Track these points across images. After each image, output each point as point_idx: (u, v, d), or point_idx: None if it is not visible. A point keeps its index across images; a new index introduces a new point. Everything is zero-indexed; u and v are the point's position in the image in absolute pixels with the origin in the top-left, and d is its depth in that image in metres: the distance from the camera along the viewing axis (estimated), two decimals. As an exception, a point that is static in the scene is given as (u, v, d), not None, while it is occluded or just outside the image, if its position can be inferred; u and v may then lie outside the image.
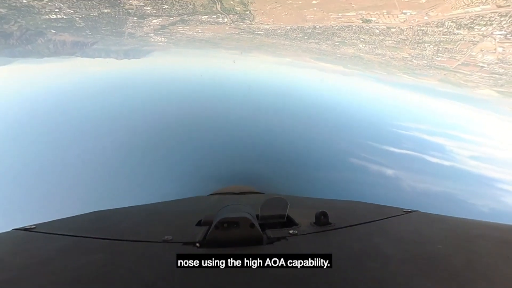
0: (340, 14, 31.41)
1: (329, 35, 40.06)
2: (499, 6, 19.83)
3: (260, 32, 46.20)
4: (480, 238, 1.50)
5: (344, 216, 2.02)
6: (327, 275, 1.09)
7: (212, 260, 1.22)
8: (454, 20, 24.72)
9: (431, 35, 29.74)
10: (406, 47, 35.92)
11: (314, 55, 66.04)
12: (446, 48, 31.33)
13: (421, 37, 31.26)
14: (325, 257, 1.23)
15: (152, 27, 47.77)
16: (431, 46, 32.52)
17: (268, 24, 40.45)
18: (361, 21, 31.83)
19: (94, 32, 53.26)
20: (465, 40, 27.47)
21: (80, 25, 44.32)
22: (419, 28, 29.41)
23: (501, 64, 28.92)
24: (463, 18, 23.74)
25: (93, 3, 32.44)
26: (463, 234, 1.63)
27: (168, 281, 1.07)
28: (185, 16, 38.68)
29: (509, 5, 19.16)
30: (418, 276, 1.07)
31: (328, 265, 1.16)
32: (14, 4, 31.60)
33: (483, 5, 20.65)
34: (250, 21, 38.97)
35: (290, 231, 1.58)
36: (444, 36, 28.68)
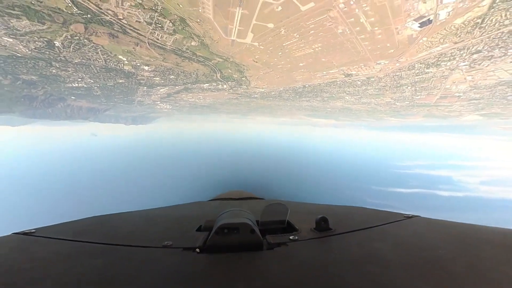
0: (324, 72, 35.95)
1: (318, 92, 44.97)
2: (456, 43, 24.08)
3: (256, 96, 51.41)
4: (482, 242, 1.50)
5: (345, 221, 2.04)
6: (328, 281, 1.08)
7: (212, 266, 1.24)
8: (422, 62, 29.03)
9: (406, 78, 34.11)
10: (387, 92, 40.46)
11: (307, 112, 71.79)
12: (422, 86, 35.62)
13: (398, 81, 35.71)
14: (325, 262, 1.26)
15: (159, 95, 52.85)
16: (409, 87, 36.90)
17: (262, 88, 45.28)
18: (344, 76, 36.43)
19: (108, 100, 58.31)
20: (437, 76, 31.68)
21: (97, 93, 49.53)
22: (394, 74, 33.79)
23: (474, 90, 32.64)
24: (429, 58, 28.05)
25: (110, 74, 36.66)
26: (464, 238, 1.62)
27: (168, 287, 1.06)
28: (189, 84, 43.47)
29: (463, 40, 23.36)
30: (420, 282, 1.06)
31: (329, 270, 1.18)
32: (44, 73, 35.93)
33: (441, 44, 24.95)
34: (247, 86, 43.68)
35: (290, 237, 1.60)
36: (417, 77, 33.02)
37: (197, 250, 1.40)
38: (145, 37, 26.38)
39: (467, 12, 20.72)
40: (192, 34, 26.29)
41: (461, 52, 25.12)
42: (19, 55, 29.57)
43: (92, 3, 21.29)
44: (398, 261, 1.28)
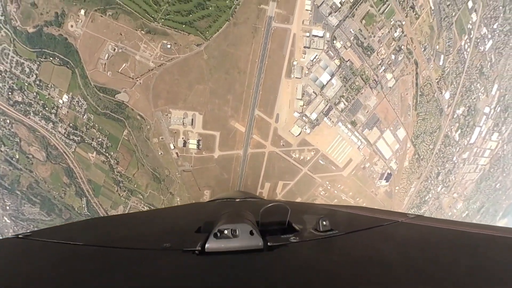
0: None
1: None
2: (418, 178, 30.07)
3: None
4: (484, 241, 1.48)
5: (346, 222, 2.08)
6: (329, 283, 1.06)
7: (211, 268, 1.25)
8: (412, 206, 32.53)
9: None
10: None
11: None
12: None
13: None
14: (327, 264, 1.28)
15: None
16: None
17: None
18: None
19: None
20: (433, 210, 34.20)
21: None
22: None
23: (470, 201, 35.04)
24: (414, 201, 32.04)
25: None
26: (467, 238, 1.60)
27: None
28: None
29: (420, 173, 29.69)
30: (422, 282, 1.04)
31: (330, 272, 1.16)
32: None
33: (411, 185, 30.48)
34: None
35: (291, 238, 1.56)
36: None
37: (196, 252, 1.37)
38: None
39: (405, 155, 28.70)
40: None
41: (429, 181, 30.69)
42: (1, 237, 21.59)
43: (102, 208, 23.12)
44: (401, 261, 1.26)
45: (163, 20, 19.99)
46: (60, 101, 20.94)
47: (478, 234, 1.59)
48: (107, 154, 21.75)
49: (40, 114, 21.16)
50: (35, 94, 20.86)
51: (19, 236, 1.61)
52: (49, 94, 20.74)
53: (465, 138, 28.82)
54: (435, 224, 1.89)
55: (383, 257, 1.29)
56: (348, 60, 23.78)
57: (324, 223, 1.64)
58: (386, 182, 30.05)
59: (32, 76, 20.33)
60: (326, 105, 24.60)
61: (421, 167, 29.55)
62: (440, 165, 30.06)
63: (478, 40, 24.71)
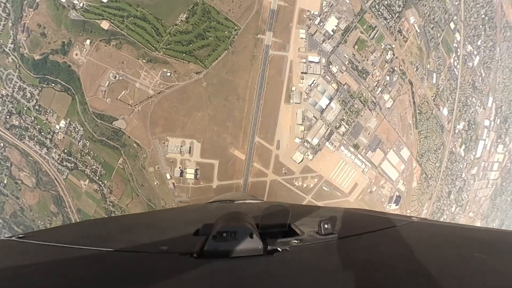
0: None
1: None
2: (429, 198, 28.79)
3: None
4: (490, 246, 1.47)
5: (349, 224, 2.00)
6: (330, 287, 1.04)
7: (209, 272, 1.21)
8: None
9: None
10: None
11: None
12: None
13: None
14: (329, 268, 1.25)
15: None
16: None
17: None
18: None
19: None
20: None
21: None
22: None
23: (489, 218, 33.24)
24: (428, 225, 30.45)
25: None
26: (472, 242, 1.57)
27: None
28: None
29: (431, 193, 28.48)
30: (426, 286, 1.02)
31: (332, 276, 1.15)
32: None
33: (422, 206, 29.06)
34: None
35: (292, 241, 1.53)
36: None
37: (194, 255, 1.34)
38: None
39: (412, 176, 27.90)
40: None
41: (441, 202, 29.34)
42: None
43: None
44: (404, 265, 1.24)
45: (164, 49, 20.75)
46: (57, 127, 20.83)
47: (484, 237, 1.59)
48: (100, 182, 20.86)
49: (36, 139, 20.92)
50: (33, 118, 20.83)
51: (13, 238, 1.58)
52: (47, 119, 20.69)
53: (470, 153, 28.59)
54: (439, 227, 1.86)
55: (387, 260, 1.27)
56: (345, 83, 24.38)
57: (326, 225, 1.61)
58: (396, 205, 28.59)
59: (32, 101, 20.50)
60: (327, 130, 24.47)
61: (430, 187, 28.50)
62: (450, 183, 29.15)
63: (466, 57, 26.25)
